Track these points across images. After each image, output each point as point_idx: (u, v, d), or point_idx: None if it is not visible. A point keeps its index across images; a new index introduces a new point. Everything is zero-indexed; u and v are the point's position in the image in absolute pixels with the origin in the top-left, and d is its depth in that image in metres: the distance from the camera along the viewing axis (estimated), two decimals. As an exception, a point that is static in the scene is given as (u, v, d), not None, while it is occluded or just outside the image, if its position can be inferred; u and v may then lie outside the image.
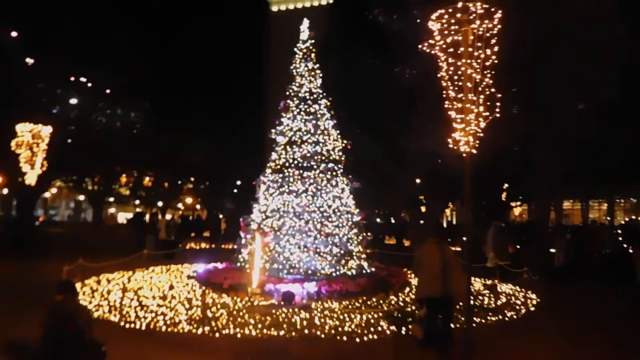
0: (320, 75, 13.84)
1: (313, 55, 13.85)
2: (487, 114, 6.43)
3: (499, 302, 11.21)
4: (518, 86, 13.82)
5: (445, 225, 35.83)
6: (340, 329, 8.61)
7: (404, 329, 8.50)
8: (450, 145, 6.67)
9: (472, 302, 10.96)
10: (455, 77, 6.43)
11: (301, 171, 12.91)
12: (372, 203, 26.77)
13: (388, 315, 9.51)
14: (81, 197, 64.80)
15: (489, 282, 13.89)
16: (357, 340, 8.04)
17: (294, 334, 8.28)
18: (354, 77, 19.85)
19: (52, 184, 58.65)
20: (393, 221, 33.69)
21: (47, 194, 60.26)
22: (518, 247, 18.05)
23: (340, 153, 13.55)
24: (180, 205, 70.28)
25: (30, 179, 15.07)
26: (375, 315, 9.59)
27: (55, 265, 12.27)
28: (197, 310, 9.71)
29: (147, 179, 65.68)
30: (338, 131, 13.66)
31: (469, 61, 6.38)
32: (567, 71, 14.56)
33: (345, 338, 8.12)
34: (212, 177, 57.43)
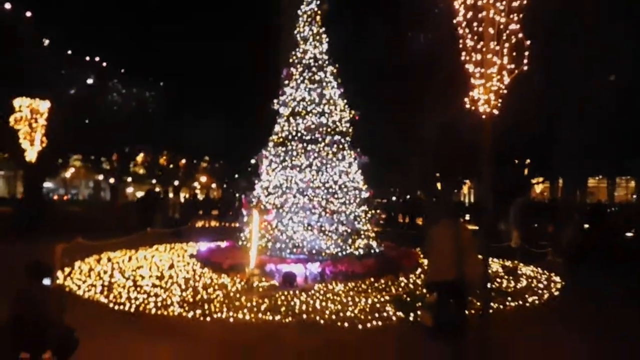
0: (327, 40, 12.86)
1: (319, 17, 12.83)
2: (513, 66, 5.46)
3: (519, 286, 10.33)
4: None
5: (461, 203, 34.71)
6: (342, 314, 7.85)
7: (412, 315, 7.70)
8: (468, 106, 5.74)
9: (489, 286, 10.23)
10: (475, 23, 5.44)
11: (305, 144, 12.07)
12: (383, 180, 25.75)
13: (395, 300, 8.71)
14: (100, 177, 65.06)
15: (508, 263, 12.99)
16: (360, 326, 7.29)
17: (290, 319, 7.56)
18: (363, 44, 18.71)
19: (70, 163, 59.00)
20: (408, 198, 32.80)
21: (67, 174, 60.72)
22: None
23: (348, 125, 12.64)
24: (196, 184, 70.34)
25: (30, 155, 14.52)
26: (382, 299, 8.81)
27: (56, 244, 11.77)
28: (192, 292, 9.06)
29: (163, 158, 65.80)
30: (345, 101, 12.73)
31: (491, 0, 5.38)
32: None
33: (346, 324, 7.37)
34: (226, 155, 57.04)
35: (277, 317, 7.58)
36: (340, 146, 12.32)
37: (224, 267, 10.87)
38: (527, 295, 9.38)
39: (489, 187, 6.04)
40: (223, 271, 10.84)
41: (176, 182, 65.32)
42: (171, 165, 64.86)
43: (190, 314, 7.68)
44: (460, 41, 5.63)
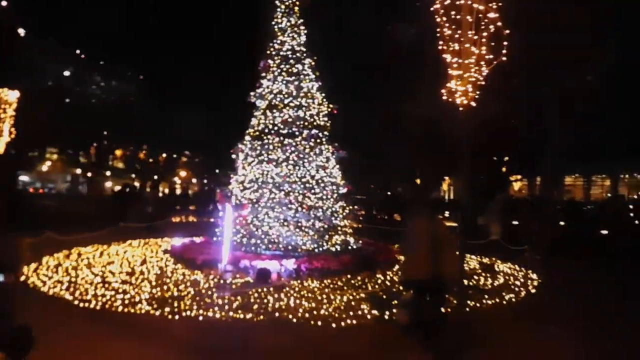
0: (305, 31, 12.59)
1: (297, 8, 12.56)
2: (491, 57, 5.28)
3: (496, 283, 10.24)
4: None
5: (441, 199, 34.71)
6: (316, 312, 7.64)
7: (387, 313, 7.51)
8: (445, 98, 5.54)
9: (466, 283, 10.11)
10: (453, 11, 5.23)
11: (282, 138, 11.81)
12: (363, 175, 25.58)
13: (371, 297, 8.53)
14: (78, 171, 63.99)
15: (485, 260, 12.92)
16: (334, 325, 7.07)
17: (262, 317, 7.31)
18: (343, 35, 18.47)
19: (45, 156, 57.88)
20: (387, 194, 32.72)
21: (44, 167, 59.55)
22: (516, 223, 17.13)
23: (326, 118, 12.41)
24: (176, 179, 69.60)
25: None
26: (358, 297, 8.62)
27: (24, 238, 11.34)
28: (162, 289, 8.76)
29: (143, 152, 65.02)
30: (323, 94, 12.49)
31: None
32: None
33: (320, 323, 7.15)
34: (205, 149, 56.49)
35: (249, 316, 7.33)
36: (318, 140, 12.09)
37: (198, 262, 10.58)
38: (504, 293, 9.28)
39: (467, 181, 5.87)
40: (196, 267, 10.55)
41: (155, 177, 64.63)
42: (150, 160, 64.12)
43: (158, 312, 7.39)
44: (438, 30, 5.43)
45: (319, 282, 9.77)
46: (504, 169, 21.92)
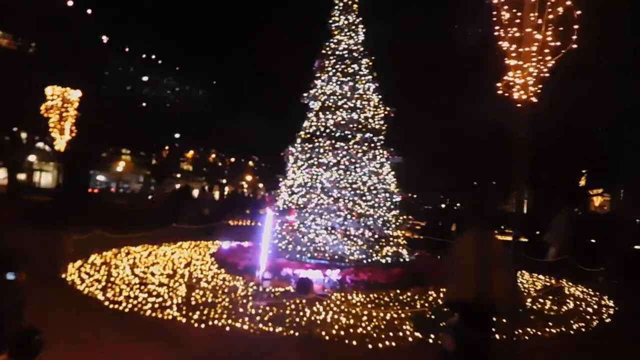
0: (363, 30, 11.95)
1: (355, 6, 11.95)
2: (558, 43, 4.42)
3: (564, 309, 9.09)
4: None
5: (506, 211, 32.67)
6: (352, 329, 6.96)
7: (432, 336, 6.70)
8: (500, 92, 4.73)
9: (529, 306, 9.06)
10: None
11: (333, 141, 11.21)
12: (428, 184, 24.42)
13: (417, 317, 7.72)
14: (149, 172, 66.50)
15: (553, 281, 11.67)
16: (370, 346, 6.36)
17: (292, 332, 6.72)
18: (404, 35, 17.49)
19: (119, 156, 60.55)
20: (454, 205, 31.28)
21: (119, 167, 62.40)
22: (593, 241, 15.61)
23: (382, 122, 11.69)
24: (243, 183, 70.79)
25: (59, 145, 14.35)
26: (403, 315, 7.84)
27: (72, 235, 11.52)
28: (197, 294, 8.39)
29: (213, 155, 66.69)
30: (380, 96, 11.79)
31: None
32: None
33: (354, 342, 6.46)
34: (268, 153, 56.93)
35: (279, 329, 6.77)
36: (372, 144, 11.39)
37: (239, 268, 10.19)
38: (572, 321, 8.16)
39: (521, 191, 5.01)
40: (238, 273, 10.17)
41: (224, 180, 66.05)
42: (219, 163, 65.63)
43: (185, 319, 6.99)
44: (495, 13, 4.64)
45: (363, 295, 9.07)
46: (582, 182, 20.10)
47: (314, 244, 10.60)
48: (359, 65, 11.73)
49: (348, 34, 11.83)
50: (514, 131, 4.78)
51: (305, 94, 11.87)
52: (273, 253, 10.70)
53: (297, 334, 6.67)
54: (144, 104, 56.41)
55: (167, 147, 59.99)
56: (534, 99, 4.57)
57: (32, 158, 46.47)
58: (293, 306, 8.04)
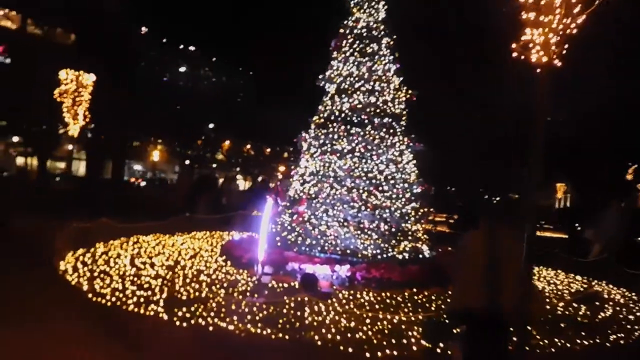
0: (385, 6, 11.04)
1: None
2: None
3: (601, 316, 8.04)
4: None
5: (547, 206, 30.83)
6: (352, 334, 6.18)
7: (441, 345, 5.84)
8: (515, 54, 3.83)
9: (560, 312, 8.05)
10: None
11: (348, 126, 10.39)
12: (466, 176, 23.10)
13: (428, 322, 6.84)
14: (187, 162, 67.11)
15: (593, 284, 10.57)
16: (367, 354, 5.57)
17: (282, 335, 5.99)
18: (429, 11, 16.15)
19: (153, 146, 61.20)
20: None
21: (155, 157, 63.15)
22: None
23: (402, 106, 10.79)
24: (278, 173, 70.58)
25: (73, 130, 14.02)
26: (413, 319, 7.00)
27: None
28: (192, 289, 7.79)
29: (248, 146, 66.70)
30: (401, 78, 10.89)
31: None
32: None
33: (350, 349, 5.69)
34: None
35: (268, 331, 6.05)
36: (391, 130, 10.51)
37: (244, 261, 9.53)
38: (609, 330, 7.13)
39: (537, 176, 4.11)
40: (242, 266, 9.52)
41: (257, 171, 65.92)
42: (252, 153, 65.50)
43: (168, 316, 6.35)
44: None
45: (374, 295, 8.28)
46: (629, 176, 18.46)
47: (324, 237, 9.83)
48: (378, 44, 10.84)
49: (367, 10, 10.95)
50: (534, 102, 3.88)
51: (320, 76, 11.07)
52: (282, 246, 10.05)
53: (287, 337, 5.95)
54: (179, 94, 56.86)
55: (202, 137, 60.35)
56: (557, 62, 3.65)
57: (70, 147, 47.48)
58: (293, 305, 7.31)
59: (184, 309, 6.60)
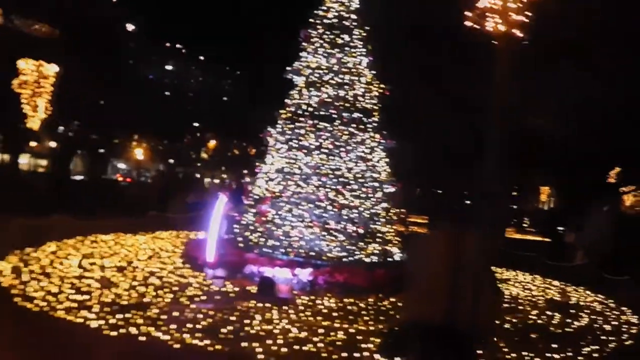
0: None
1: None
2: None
3: (575, 325, 7.54)
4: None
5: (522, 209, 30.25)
6: (300, 345, 5.59)
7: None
8: (469, 23, 3.29)
9: (532, 321, 7.55)
10: None
11: (316, 121, 9.82)
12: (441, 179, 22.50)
13: (388, 334, 6.26)
14: (171, 161, 66.11)
15: (569, 290, 10.11)
16: (313, 370, 5.00)
17: (221, 346, 5.38)
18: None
19: (140, 145, 60.25)
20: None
21: (140, 156, 62.15)
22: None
23: (374, 101, 10.25)
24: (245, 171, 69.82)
25: (32, 123, 13.29)
26: (373, 328, 6.43)
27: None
28: (135, 293, 7.17)
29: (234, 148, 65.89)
30: (374, 72, 10.34)
31: None
32: None
33: (294, 364, 5.11)
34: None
35: (207, 342, 5.44)
36: (361, 126, 9.95)
37: (199, 262, 8.92)
38: (583, 342, 6.62)
39: (495, 164, 3.58)
40: (199, 268, 8.91)
41: (245, 171, 65.13)
42: (237, 153, 64.77)
43: (98, 324, 5.73)
44: None
45: (336, 301, 7.72)
46: (611, 178, 17.99)
47: (288, 238, 9.25)
48: (350, 35, 10.29)
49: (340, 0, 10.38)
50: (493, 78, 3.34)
51: (288, 68, 10.48)
52: (243, 247, 9.47)
53: (227, 349, 5.35)
54: (164, 92, 56.08)
55: (188, 137, 59.56)
56: (517, 33, 3.11)
57: (53, 144, 46.24)
58: (243, 311, 6.73)
59: (119, 316, 5.99)
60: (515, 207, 37.03)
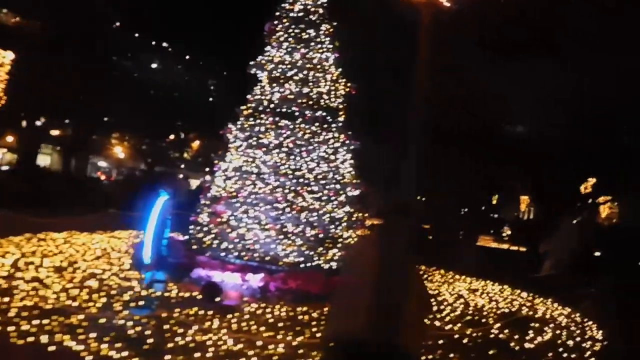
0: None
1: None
2: None
3: (538, 340, 7.12)
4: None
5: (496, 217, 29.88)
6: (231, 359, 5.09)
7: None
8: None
9: (493, 335, 7.13)
10: None
11: (277, 118, 9.33)
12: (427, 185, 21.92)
13: (332, 348, 5.74)
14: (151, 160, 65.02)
15: (537, 302, 9.72)
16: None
17: (142, 359, 4.86)
18: None
19: (121, 143, 59.25)
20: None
21: (121, 154, 61.07)
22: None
23: (340, 100, 9.80)
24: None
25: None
26: (319, 341, 5.93)
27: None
28: (65, 295, 6.61)
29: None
30: (340, 69, 9.90)
31: None
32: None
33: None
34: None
35: (125, 354, 4.91)
36: (325, 125, 9.48)
37: (137, 265, 8.37)
38: (543, 359, 6.19)
39: (414, 157, 3.15)
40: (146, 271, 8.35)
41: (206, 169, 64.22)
42: (220, 153, 64.01)
43: (7, 330, 5.15)
44: None
45: (288, 309, 7.23)
46: (585, 188, 17.70)
47: (243, 240, 8.73)
48: (316, 30, 9.82)
49: (306, -9, 9.92)
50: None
51: (251, 63, 9.99)
52: (196, 249, 8.95)
53: (147, 361, 4.83)
54: (148, 90, 55.27)
55: (171, 136, 58.73)
56: (444, 2, 2.67)
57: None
58: (180, 320, 6.20)
59: (36, 322, 5.42)
60: (496, 216, 36.90)
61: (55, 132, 42.92)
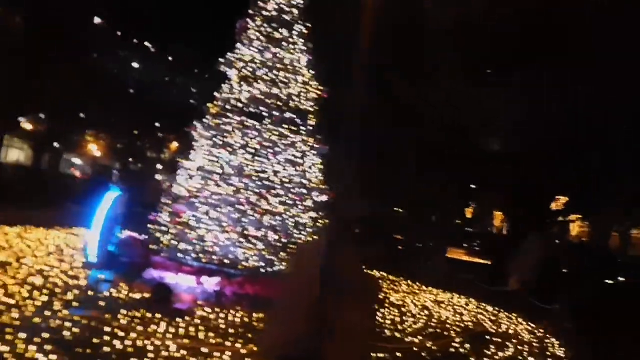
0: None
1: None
2: None
3: (499, 356, 6.92)
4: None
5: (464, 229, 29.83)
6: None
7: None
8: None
9: (453, 350, 6.92)
10: None
11: (244, 118, 9.05)
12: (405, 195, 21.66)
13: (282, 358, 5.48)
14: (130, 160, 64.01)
15: (502, 317, 9.56)
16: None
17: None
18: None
19: (96, 142, 58.15)
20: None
21: (98, 153, 59.94)
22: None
23: (311, 103, 9.56)
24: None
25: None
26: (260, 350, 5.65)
27: None
28: (2, 292, 6.20)
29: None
30: (312, 72, 9.68)
31: None
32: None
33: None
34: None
35: (53, 357, 4.55)
36: (293, 127, 9.23)
37: (85, 264, 7.99)
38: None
39: (351, 147, 2.94)
40: (99, 269, 7.97)
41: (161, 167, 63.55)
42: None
43: None
44: None
45: (242, 315, 6.92)
46: (554, 205, 17.74)
47: (202, 242, 8.40)
48: (289, 31, 9.59)
49: (281, -10, 9.70)
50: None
51: (221, 60, 9.70)
52: (154, 249, 8.59)
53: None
54: (127, 89, 54.44)
55: (149, 137, 57.85)
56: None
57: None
58: (123, 323, 5.85)
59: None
60: (470, 230, 37.01)
61: (28, 127, 41.83)
